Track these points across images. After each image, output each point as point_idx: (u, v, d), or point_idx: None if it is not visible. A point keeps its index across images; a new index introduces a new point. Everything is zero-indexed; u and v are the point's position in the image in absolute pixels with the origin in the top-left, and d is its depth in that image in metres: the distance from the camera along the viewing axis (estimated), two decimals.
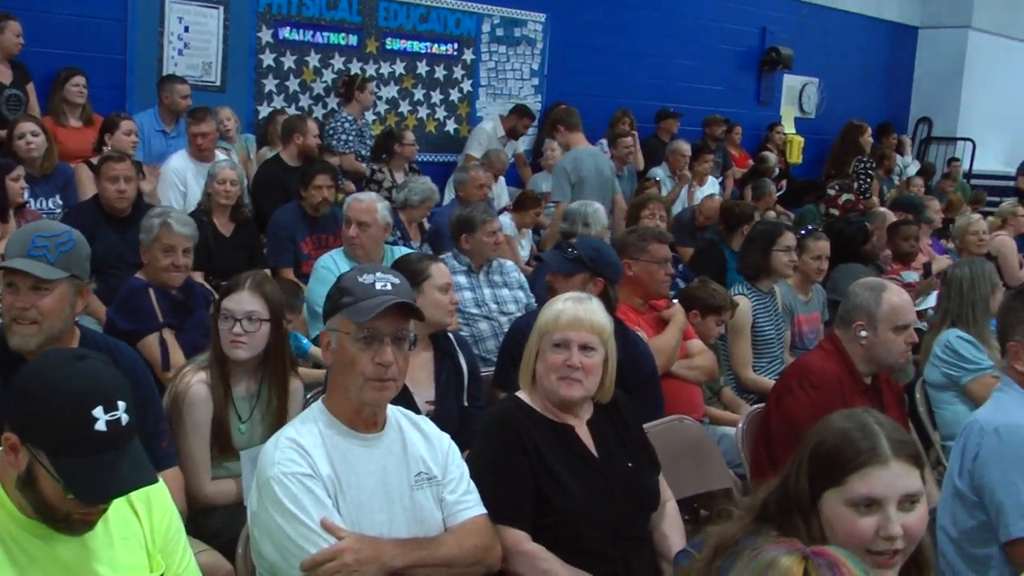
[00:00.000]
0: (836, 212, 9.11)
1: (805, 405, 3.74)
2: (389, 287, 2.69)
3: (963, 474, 3.17)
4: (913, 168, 14.27)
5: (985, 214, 9.68)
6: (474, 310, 5.46)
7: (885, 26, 15.71)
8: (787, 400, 3.89)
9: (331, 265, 5.47)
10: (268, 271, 5.87)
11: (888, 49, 15.90)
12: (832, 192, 9.76)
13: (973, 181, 14.54)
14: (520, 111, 10.35)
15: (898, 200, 10.10)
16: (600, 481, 3.09)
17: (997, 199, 13.98)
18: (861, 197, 9.94)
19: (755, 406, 4.47)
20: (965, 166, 15.20)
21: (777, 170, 12.23)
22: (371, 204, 5.62)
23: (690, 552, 2.25)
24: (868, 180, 10.78)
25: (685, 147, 10.57)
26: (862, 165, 10.89)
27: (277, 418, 3.60)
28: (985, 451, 3.11)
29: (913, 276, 7.39)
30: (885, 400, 4.01)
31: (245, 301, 3.63)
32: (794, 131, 14.10)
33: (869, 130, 11.27)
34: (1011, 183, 15.04)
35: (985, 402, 3.44)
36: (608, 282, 4.40)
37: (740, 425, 4.28)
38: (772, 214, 9.23)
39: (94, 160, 6.47)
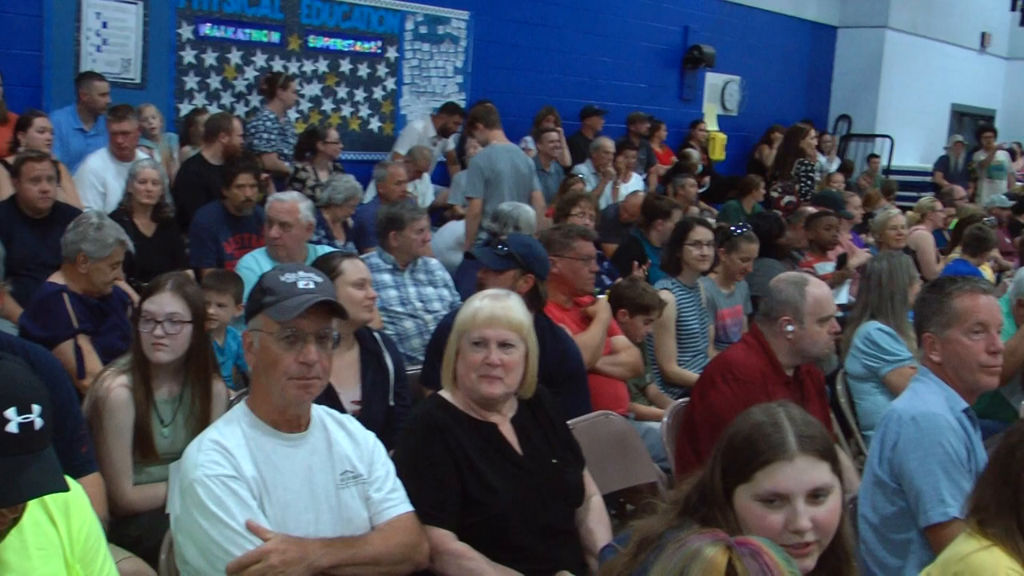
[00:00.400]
0: (779, 213, 9.17)
1: (728, 398, 3.78)
2: (312, 285, 2.67)
3: (883, 462, 3.23)
4: (834, 165, 14.52)
5: (903, 208, 9.87)
6: (399, 308, 5.44)
7: (805, 25, 15.96)
8: (711, 394, 3.93)
9: (253, 265, 5.42)
10: (190, 272, 5.80)
11: (808, 48, 16.15)
12: (775, 194, 10.13)
13: (891, 177, 14.81)
14: (450, 109, 10.34)
15: (819, 196, 10.27)
16: (525, 478, 3.10)
17: (915, 194, 14.28)
18: (802, 199, 10.15)
19: (679, 400, 4.52)
20: (884, 162, 15.50)
21: (700, 167, 12.36)
22: (293, 204, 5.57)
23: (615, 547, 2.26)
24: (809, 182, 10.93)
25: (609, 144, 10.62)
26: (803, 168, 10.94)
27: (200, 421, 3.54)
28: (904, 439, 3.17)
29: (828, 267, 7.53)
30: (807, 391, 4.08)
31: (166, 303, 3.58)
32: (717, 128, 14.27)
33: (812, 132, 11.43)
34: (928, 178, 15.42)
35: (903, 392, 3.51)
36: (538, 278, 4.41)
37: (665, 419, 4.32)
38: (695, 210, 9.31)
39: (10, 160, 6.32)
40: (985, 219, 9.75)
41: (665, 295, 5.55)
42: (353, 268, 4.16)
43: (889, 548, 3.22)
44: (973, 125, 18.89)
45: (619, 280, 6.00)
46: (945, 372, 3.29)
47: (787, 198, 9.83)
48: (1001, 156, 15.31)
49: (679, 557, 1.60)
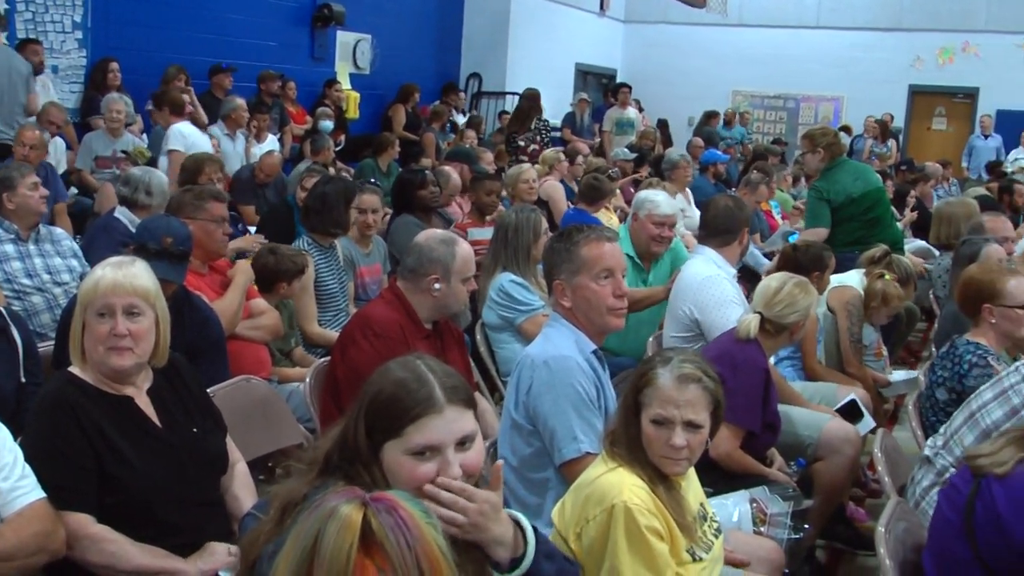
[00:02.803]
0: (525, 159, 11.20)
1: (369, 354, 3.81)
2: None
3: (519, 406, 3.37)
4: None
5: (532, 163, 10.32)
6: (26, 281, 5.09)
7: None
8: (351, 351, 3.95)
9: None
10: None
11: (437, 7, 16.40)
12: (521, 144, 12.94)
13: None
14: None
15: (452, 152, 10.53)
16: (165, 450, 2.99)
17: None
18: (543, 147, 12.79)
19: (321, 360, 4.49)
20: None
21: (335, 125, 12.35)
22: None
23: (256, 515, 2.22)
24: (547, 133, 14.18)
25: (242, 103, 10.38)
26: (542, 124, 14.13)
27: None
28: (537, 383, 3.31)
29: (482, 233, 7.53)
30: (446, 343, 4.17)
31: None
32: (350, 87, 14.24)
33: (540, 97, 14.22)
34: (557, 134, 16.19)
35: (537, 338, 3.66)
36: None
37: (307, 380, 4.29)
38: (331, 170, 9.27)
39: None
40: (610, 171, 10.38)
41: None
42: None
43: (528, 487, 3.37)
44: (597, 83, 19.99)
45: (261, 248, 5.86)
46: (575, 316, 3.45)
47: (532, 146, 12.33)
48: (631, 112, 16.34)
49: (315, 518, 1.60)
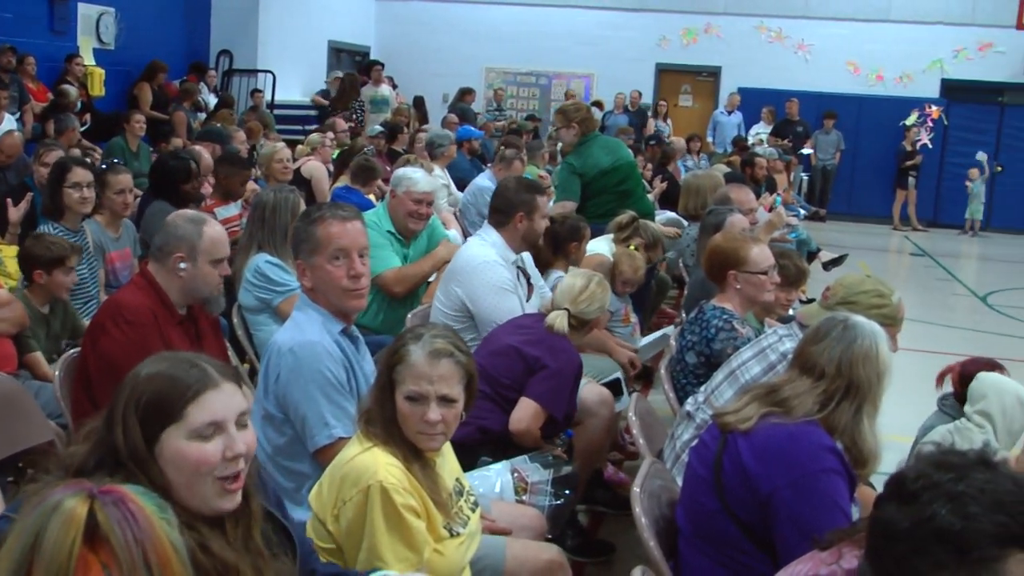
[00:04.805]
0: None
1: (122, 342, 3.66)
2: None
3: (269, 395, 3.32)
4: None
5: (291, 143, 10.16)
6: None
7: None
8: (103, 340, 3.77)
9: None
10: None
11: None
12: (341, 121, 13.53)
13: (276, 112, 15.12)
14: None
15: (204, 132, 10.27)
16: None
17: (299, 127, 14.77)
18: (359, 126, 14.03)
19: (71, 351, 4.31)
20: (268, 97, 15.77)
21: (80, 104, 11.78)
22: None
23: (9, 516, 2.14)
24: (363, 114, 15.35)
25: None
26: (359, 104, 15.58)
27: None
28: (284, 371, 3.27)
29: (228, 211, 7.40)
30: (201, 329, 4.06)
31: None
32: (94, 63, 13.58)
33: (358, 79, 15.37)
34: (311, 112, 16.05)
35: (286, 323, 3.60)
36: None
37: (57, 373, 4.09)
38: (77, 151, 8.87)
39: None
40: (366, 148, 10.36)
41: None
42: None
43: (287, 476, 3.33)
44: (351, 61, 19.83)
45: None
46: (319, 297, 3.42)
47: (377, 127, 12.78)
48: (385, 90, 16.39)
49: (38, 512, 1.53)
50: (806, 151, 18.10)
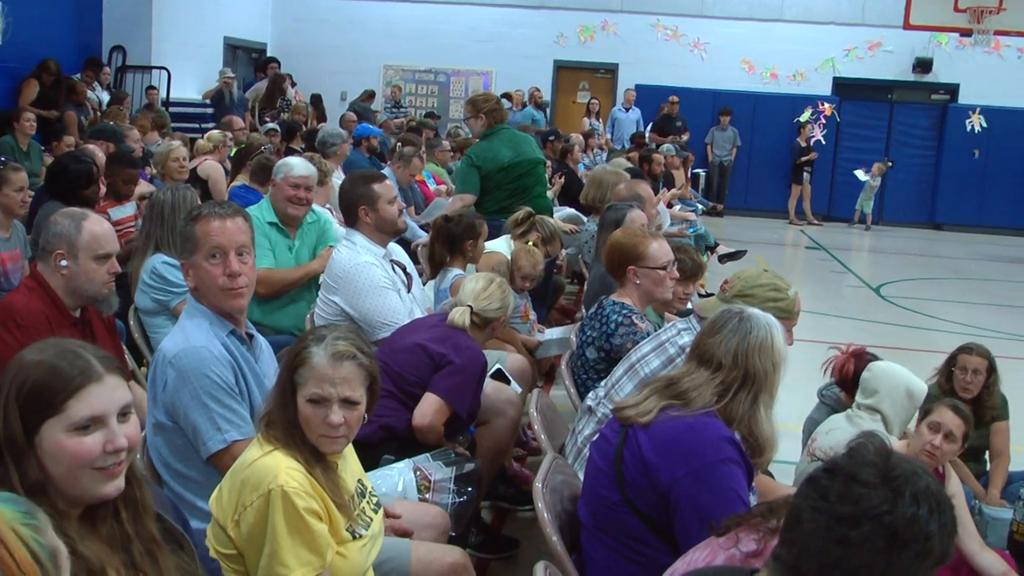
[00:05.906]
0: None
1: (13, 347, 3.53)
2: None
3: (158, 404, 3.23)
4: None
5: (192, 140, 9.99)
6: None
7: None
8: None
9: None
10: None
11: None
12: (267, 121, 14.14)
13: (171, 109, 14.84)
14: None
15: (97, 130, 10.04)
16: None
17: (195, 126, 14.52)
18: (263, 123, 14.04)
19: None
20: (163, 94, 15.47)
21: None
22: None
23: None
24: (277, 112, 15.48)
25: None
26: (284, 103, 15.96)
27: None
28: (171, 379, 3.18)
29: (123, 211, 7.21)
30: (96, 331, 4.00)
31: None
32: None
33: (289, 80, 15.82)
34: (207, 110, 15.78)
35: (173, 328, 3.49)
36: None
37: None
38: None
39: None
40: (264, 147, 10.24)
41: None
42: None
43: (184, 484, 3.24)
44: (247, 58, 19.56)
45: None
46: (203, 298, 3.32)
47: (271, 125, 12.90)
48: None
49: None
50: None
